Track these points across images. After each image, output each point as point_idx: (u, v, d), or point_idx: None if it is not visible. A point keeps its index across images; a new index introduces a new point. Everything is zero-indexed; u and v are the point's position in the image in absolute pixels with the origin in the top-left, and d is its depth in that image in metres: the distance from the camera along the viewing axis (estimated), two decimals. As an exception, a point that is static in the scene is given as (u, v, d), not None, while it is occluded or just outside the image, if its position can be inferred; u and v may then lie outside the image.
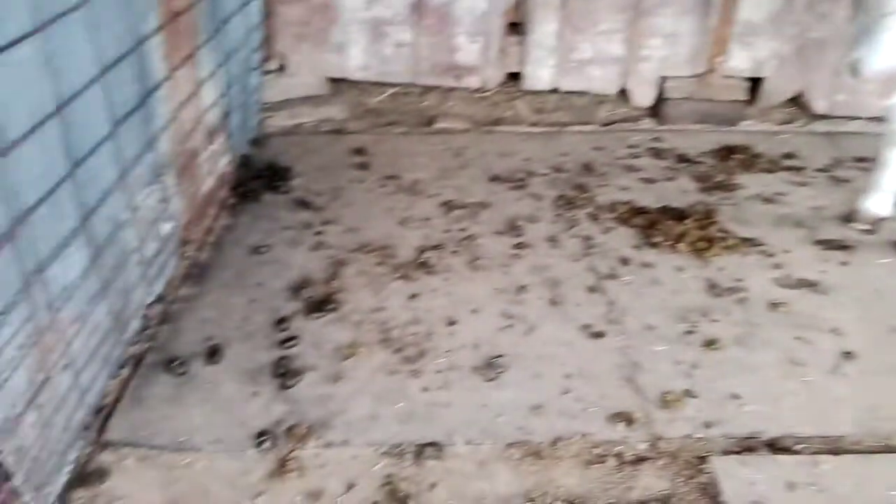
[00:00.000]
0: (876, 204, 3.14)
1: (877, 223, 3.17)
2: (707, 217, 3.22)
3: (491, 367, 2.38)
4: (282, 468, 2.00)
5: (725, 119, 4.25)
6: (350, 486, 1.96)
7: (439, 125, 4.17)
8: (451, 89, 4.31)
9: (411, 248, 3.01)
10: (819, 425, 2.21)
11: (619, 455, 2.09)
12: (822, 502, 1.95)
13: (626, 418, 2.20)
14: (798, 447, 2.13)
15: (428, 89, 4.32)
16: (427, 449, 2.08)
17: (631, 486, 1.99)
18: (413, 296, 2.72)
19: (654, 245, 3.05)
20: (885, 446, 2.14)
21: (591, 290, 2.79)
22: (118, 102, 2.10)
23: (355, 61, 4.18)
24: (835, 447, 2.14)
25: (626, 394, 2.30)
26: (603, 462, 2.06)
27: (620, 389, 2.32)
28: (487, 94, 4.32)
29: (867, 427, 2.20)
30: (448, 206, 3.33)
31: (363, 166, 3.68)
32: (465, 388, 2.31)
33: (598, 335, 2.55)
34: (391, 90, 4.33)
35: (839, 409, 2.27)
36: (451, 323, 2.59)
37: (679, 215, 3.24)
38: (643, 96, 4.31)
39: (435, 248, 3.01)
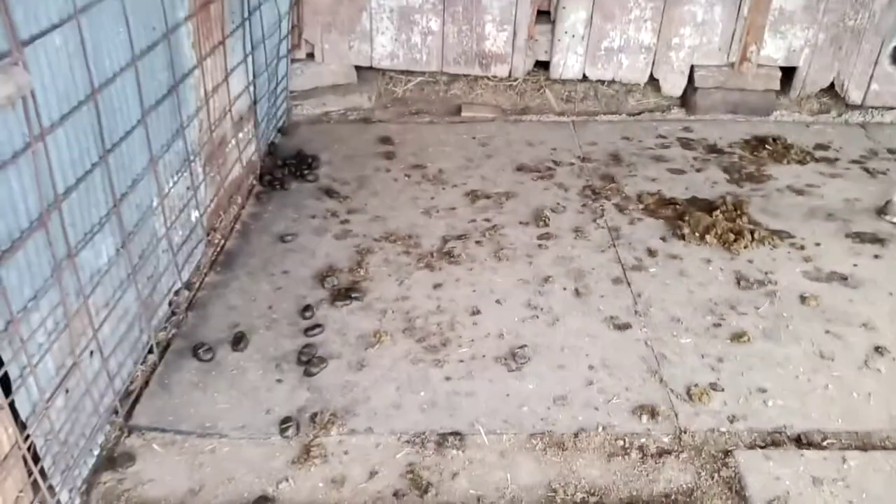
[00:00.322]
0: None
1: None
2: (736, 209, 3.17)
3: (514, 358, 2.38)
4: (305, 455, 2.02)
5: (757, 109, 4.18)
6: (372, 474, 1.98)
7: (466, 114, 4.16)
8: (479, 78, 4.29)
9: (436, 237, 3.01)
10: (847, 421, 2.17)
11: (642, 448, 2.07)
12: (848, 499, 1.92)
13: (650, 411, 2.18)
14: (825, 442, 2.10)
15: (455, 78, 4.31)
16: (449, 438, 2.08)
17: (654, 478, 1.98)
18: (437, 285, 2.73)
19: (681, 236, 3.01)
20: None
21: (617, 281, 2.76)
22: (149, 90, 2.12)
23: (383, 50, 4.18)
24: (863, 443, 2.10)
25: (650, 386, 2.29)
26: (626, 454, 2.05)
27: (645, 382, 2.30)
28: (515, 82, 4.30)
29: (897, 424, 2.17)
30: (473, 195, 3.33)
31: (389, 155, 3.69)
32: (488, 378, 2.31)
33: (624, 327, 2.53)
34: (418, 79, 4.32)
35: (868, 405, 2.23)
36: (475, 313, 2.59)
37: (708, 206, 3.20)
38: (673, 85, 4.25)
39: (460, 237, 3.01)
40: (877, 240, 3.02)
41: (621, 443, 2.09)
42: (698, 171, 3.58)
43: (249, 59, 3.13)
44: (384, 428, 2.12)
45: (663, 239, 3.02)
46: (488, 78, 4.30)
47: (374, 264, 2.84)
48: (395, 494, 1.92)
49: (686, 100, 4.25)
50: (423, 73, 4.32)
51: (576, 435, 2.11)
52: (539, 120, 4.14)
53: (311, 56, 4.19)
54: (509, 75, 4.27)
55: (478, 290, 2.71)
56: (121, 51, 1.94)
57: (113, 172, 1.92)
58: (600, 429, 2.13)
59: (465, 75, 4.30)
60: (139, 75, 2.03)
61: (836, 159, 3.71)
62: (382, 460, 2.02)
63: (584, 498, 1.92)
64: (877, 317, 2.59)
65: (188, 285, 2.63)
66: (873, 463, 2.03)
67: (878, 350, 2.44)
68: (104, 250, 1.94)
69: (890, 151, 3.77)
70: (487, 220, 3.14)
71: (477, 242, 2.98)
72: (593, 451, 2.06)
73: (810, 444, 2.10)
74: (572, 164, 3.62)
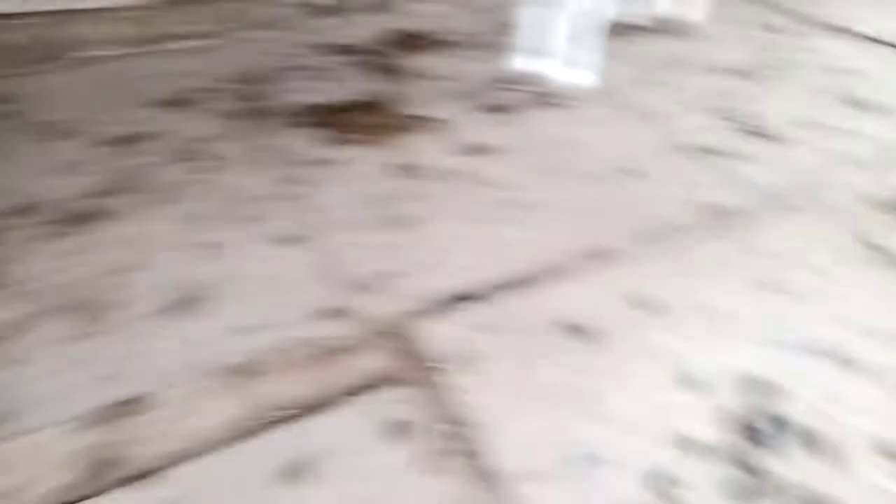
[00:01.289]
0: (524, 63, 3.42)
1: (529, 81, 3.47)
2: (383, 104, 3.28)
3: (187, 302, 2.25)
4: (-43, 477, 1.74)
5: (382, 4, 4.29)
6: (45, 472, 1.77)
7: (88, 53, 3.71)
8: (99, 11, 3.84)
9: (78, 197, 2.69)
10: (501, 269, 2.41)
11: (330, 349, 2.11)
12: (517, 337, 2.15)
13: (332, 313, 2.22)
14: (488, 293, 2.32)
15: (71, 15, 3.80)
16: (128, 406, 1.93)
17: (348, 373, 2.03)
18: (87, 249, 2.45)
19: (336, 141, 3.05)
20: (560, 277, 2.41)
21: (280, 198, 2.73)
22: None
23: (-40, -3, 3.53)
24: (518, 285, 2.36)
25: (328, 290, 2.32)
26: (316, 361, 2.08)
27: (322, 287, 2.33)
28: (139, 12, 3.91)
29: (542, 263, 2.46)
30: (113, 142, 3.02)
31: (6, 115, 3.18)
32: (160, 332, 2.16)
33: (294, 241, 2.52)
34: (27, 20, 3.74)
35: (521, 252, 2.50)
36: (136, 268, 2.39)
37: (356, 107, 3.26)
38: (304, -7, 4.19)
39: (104, 192, 2.73)
40: (504, 108, 3.34)
41: (310, 350, 2.11)
42: (341, 73, 3.62)
43: None
44: (52, 419, 1.90)
45: (319, 146, 3.03)
46: (106, 10, 3.86)
47: (11, 243, 2.46)
48: (75, 485, 1.74)
49: (318, 4, 4.22)
50: (32, 14, 3.74)
51: (263, 358, 2.08)
52: (167, 49, 3.84)
53: None
54: (131, 6, 3.88)
55: (136, 243, 2.49)
56: None
57: None
58: (287, 344, 2.12)
59: (81, 10, 3.82)
60: None
61: (464, 41, 3.98)
62: (56, 454, 1.81)
63: (281, 415, 1.92)
64: (514, 175, 2.89)
65: None
66: (534, 302, 2.29)
67: (516, 203, 2.72)
68: None
69: (505, 27, 4.14)
70: (131, 165, 2.88)
71: (126, 193, 2.72)
72: (283, 369, 2.06)
73: (479, 298, 2.30)
74: (213, 89, 3.44)
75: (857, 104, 3.55)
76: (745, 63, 3.98)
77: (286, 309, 2.24)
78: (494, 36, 4.03)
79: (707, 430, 1.90)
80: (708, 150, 3.12)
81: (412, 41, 3.92)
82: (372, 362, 2.08)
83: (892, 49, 4.24)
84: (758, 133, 3.28)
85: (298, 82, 3.52)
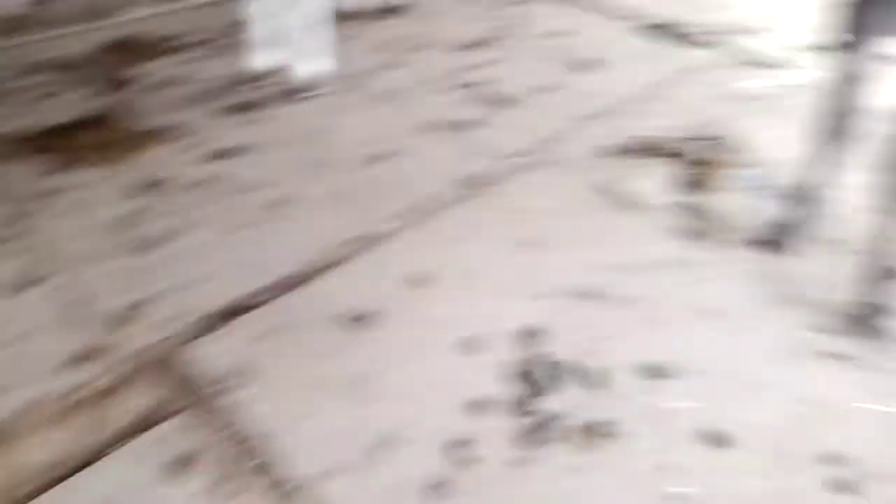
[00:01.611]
0: (262, 59, 3.33)
1: (271, 76, 3.38)
2: (115, 119, 3.03)
3: None
4: None
5: (108, 11, 3.94)
6: None
7: None
8: None
9: None
10: (270, 273, 2.33)
11: (91, 396, 1.91)
12: (296, 338, 2.09)
13: (87, 355, 2.01)
14: (260, 300, 2.23)
15: None
16: None
17: (114, 419, 1.86)
18: None
19: (63, 166, 2.76)
20: (330, 269, 2.38)
21: (5, 239, 2.41)
22: None
23: None
24: (290, 286, 2.29)
25: (78, 332, 2.09)
26: (76, 412, 1.87)
27: (70, 330, 2.10)
28: None
29: (310, 259, 2.40)
30: None
31: None
32: None
33: (29, 284, 2.24)
34: None
35: (281, 252, 2.42)
36: None
37: (81, 126, 2.97)
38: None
39: None
40: (249, 107, 3.22)
41: (68, 402, 1.89)
42: (59, 92, 3.27)
43: None
44: None
45: (46, 175, 2.72)
46: None
47: None
48: None
49: (27, 18, 3.77)
50: None
51: (12, 422, 1.83)
52: None
53: None
54: None
55: None
56: None
57: None
58: (39, 401, 1.89)
59: None
60: None
61: (197, 43, 3.78)
62: None
63: (46, 480, 1.70)
64: (269, 174, 2.80)
65: None
66: (310, 295, 2.24)
67: (275, 202, 2.65)
68: None
69: (233, 24, 3.98)
70: None
71: None
72: (38, 428, 1.83)
73: (248, 309, 2.20)
74: None
75: (579, 63, 3.88)
76: (476, 37, 4.18)
77: (31, 362, 1.99)
78: (226, 35, 3.86)
79: (492, 388, 1.99)
80: (453, 124, 3.25)
81: (137, 49, 3.63)
82: (141, 399, 1.92)
83: (597, 11, 4.69)
84: (496, 101, 3.47)
85: (4, 109, 3.12)
